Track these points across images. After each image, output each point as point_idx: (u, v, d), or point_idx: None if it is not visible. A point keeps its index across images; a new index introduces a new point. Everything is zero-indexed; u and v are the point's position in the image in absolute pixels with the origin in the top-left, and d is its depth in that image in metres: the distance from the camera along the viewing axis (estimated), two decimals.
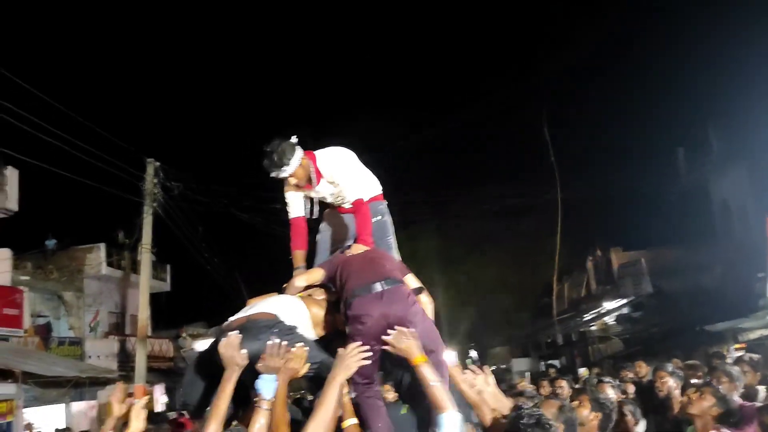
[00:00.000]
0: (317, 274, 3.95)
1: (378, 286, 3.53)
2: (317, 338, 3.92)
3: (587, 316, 22.62)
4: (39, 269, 18.91)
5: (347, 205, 4.38)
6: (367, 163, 4.56)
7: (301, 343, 3.48)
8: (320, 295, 3.99)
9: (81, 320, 19.80)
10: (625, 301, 19.95)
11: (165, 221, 16.40)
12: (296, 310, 3.78)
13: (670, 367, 6.51)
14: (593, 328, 22.89)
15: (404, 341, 3.21)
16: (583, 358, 21.54)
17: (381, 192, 4.58)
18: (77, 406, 17.22)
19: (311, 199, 4.51)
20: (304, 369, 3.44)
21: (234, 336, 3.33)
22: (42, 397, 15.54)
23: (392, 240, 4.53)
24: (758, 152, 16.61)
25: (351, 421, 3.09)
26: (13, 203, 17.20)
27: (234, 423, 3.33)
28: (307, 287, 3.98)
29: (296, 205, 4.47)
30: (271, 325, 3.54)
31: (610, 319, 21.57)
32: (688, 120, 21.11)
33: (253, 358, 3.40)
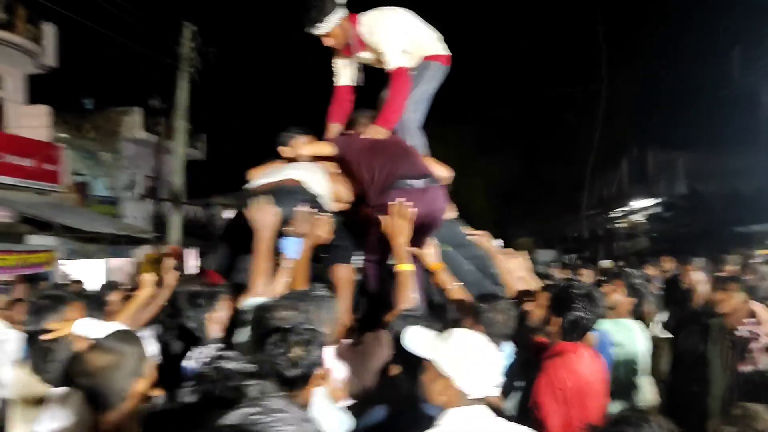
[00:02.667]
0: (326, 149, 3.86)
1: (421, 183, 3.48)
2: (333, 213, 3.95)
3: (616, 213, 22.54)
4: (77, 128, 19.14)
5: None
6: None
7: (328, 214, 3.52)
8: (336, 170, 3.93)
9: (117, 181, 20.28)
10: (657, 200, 19.72)
11: (200, 91, 16.34)
12: (318, 179, 3.77)
13: (696, 261, 6.51)
14: (621, 224, 22.85)
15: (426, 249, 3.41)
16: (607, 252, 21.65)
17: (440, 53, 4.20)
18: (114, 262, 18.04)
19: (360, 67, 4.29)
20: (328, 237, 3.51)
21: (264, 198, 3.36)
22: (80, 250, 16.26)
23: (421, 107, 4.27)
24: None
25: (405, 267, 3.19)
26: (50, 59, 17.11)
27: None
28: (316, 159, 3.91)
29: (341, 73, 4.29)
30: (298, 191, 3.57)
31: (639, 217, 21.46)
32: (747, 17, 19.66)
33: (279, 223, 3.47)
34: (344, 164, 3.83)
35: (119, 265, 18.29)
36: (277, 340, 2.03)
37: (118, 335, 2.00)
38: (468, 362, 1.98)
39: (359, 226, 3.78)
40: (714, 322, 4.46)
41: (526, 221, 30.30)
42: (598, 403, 2.78)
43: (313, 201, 3.61)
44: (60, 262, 15.51)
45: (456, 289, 3.37)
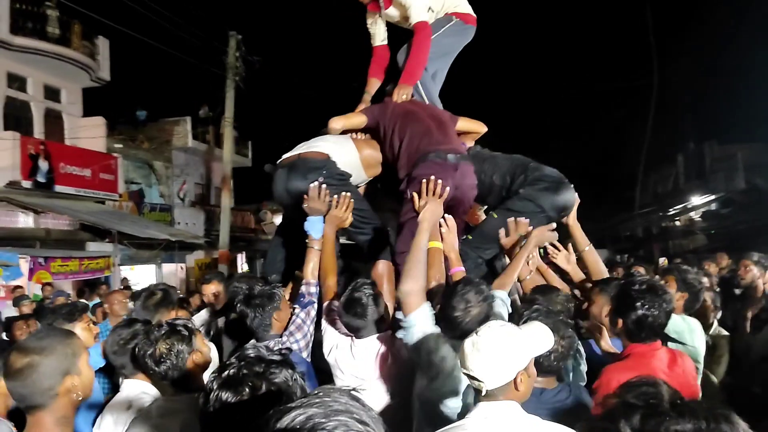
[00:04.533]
0: (358, 119, 3.85)
1: (452, 158, 3.44)
2: (370, 179, 3.93)
3: (672, 211, 21.83)
4: (131, 138, 19.77)
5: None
6: None
7: (348, 193, 3.48)
8: (370, 138, 3.94)
9: (170, 189, 20.83)
10: (714, 196, 19.02)
11: (247, 98, 16.61)
12: (347, 150, 3.75)
13: (755, 256, 6.20)
14: (677, 223, 22.12)
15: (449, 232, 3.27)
16: (663, 251, 21.00)
17: (465, 11, 4.24)
18: (167, 267, 18.54)
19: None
20: (349, 218, 3.48)
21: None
22: (136, 256, 16.78)
23: (442, 66, 4.28)
24: None
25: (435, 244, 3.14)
26: (105, 72, 17.74)
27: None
28: (348, 132, 3.91)
29: (376, 33, 4.40)
30: (321, 166, 3.56)
31: (696, 215, 20.74)
32: None
33: (300, 197, 3.47)
34: (377, 132, 3.83)
35: (172, 270, 18.81)
36: None
37: (41, 334, 1.94)
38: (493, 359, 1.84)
39: (391, 207, 3.75)
40: None
41: (578, 220, 29.69)
42: None
43: (336, 177, 3.59)
44: (119, 268, 16.09)
45: (459, 273, 3.19)
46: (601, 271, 3.69)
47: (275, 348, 1.67)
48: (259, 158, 25.36)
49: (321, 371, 2.94)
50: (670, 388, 1.30)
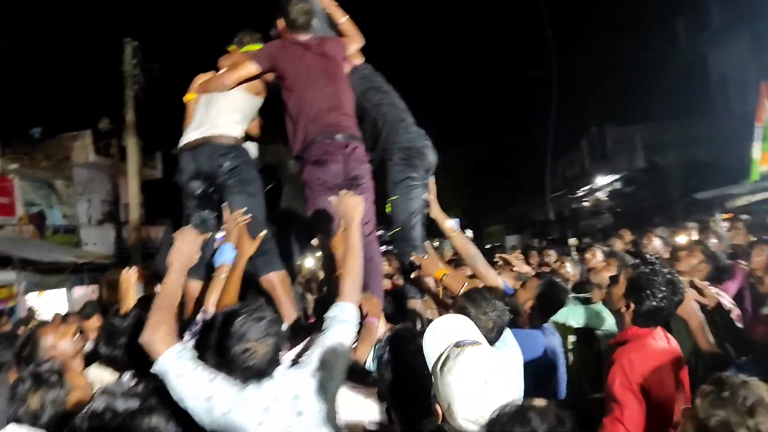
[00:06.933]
0: (249, 68, 3.65)
1: (341, 138, 3.39)
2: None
3: (579, 193, 22.76)
4: (27, 158, 18.64)
5: None
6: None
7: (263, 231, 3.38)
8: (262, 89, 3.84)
9: (74, 208, 19.78)
10: (617, 176, 19.95)
11: (151, 108, 15.99)
12: (236, 98, 3.69)
13: (657, 231, 6.53)
14: (585, 204, 23.08)
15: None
16: (574, 232, 21.86)
17: None
18: (79, 289, 17.60)
19: None
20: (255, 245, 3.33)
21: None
22: (43, 282, 15.82)
23: None
24: (760, 22, 15.92)
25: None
26: None
27: None
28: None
29: None
30: (228, 151, 3.53)
31: (602, 195, 21.71)
32: None
33: (207, 178, 3.46)
34: (274, 73, 3.68)
35: (83, 294, 17.86)
36: None
37: None
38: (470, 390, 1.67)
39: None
40: None
41: (495, 210, 30.51)
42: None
43: (246, 164, 3.56)
44: (24, 296, 15.11)
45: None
46: (471, 254, 3.63)
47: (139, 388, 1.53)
48: (169, 169, 24.49)
49: None
50: None
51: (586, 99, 23.27)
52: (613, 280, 3.05)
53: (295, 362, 2.37)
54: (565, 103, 20.16)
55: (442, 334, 1.93)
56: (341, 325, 2.35)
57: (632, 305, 2.62)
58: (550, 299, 3.38)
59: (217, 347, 2.20)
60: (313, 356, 2.24)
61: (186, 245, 2.59)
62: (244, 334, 2.10)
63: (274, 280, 3.48)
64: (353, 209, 2.75)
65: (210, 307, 3.02)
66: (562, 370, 3.28)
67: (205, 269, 3.55)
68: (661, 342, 2.62)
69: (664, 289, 2.55)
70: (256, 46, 3.84)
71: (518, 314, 3.24)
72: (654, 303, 2.56)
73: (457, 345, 1.79)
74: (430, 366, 1.85)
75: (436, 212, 3.77)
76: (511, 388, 1.72)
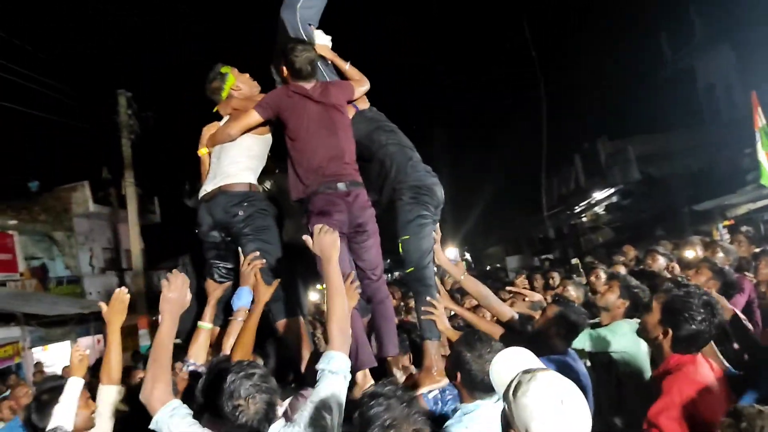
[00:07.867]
0: (251, 118, 3.71)
1: (343, 186, 3.44)
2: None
3: (577, 209, 22.81)
4: (26, 212, 18.69)
5: None
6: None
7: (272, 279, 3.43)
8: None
9: (76, 259, 19.78)
10: (613, 189, 20.04)
11: (147, 155, 16.15)
12: (248, 146, 3.77)
13: (661, 248, 6.55)
14: (584, 219, 23.14)
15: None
16: (575, 249, 21.89)
17: None
18: (85, 341, 17.49)
19: None
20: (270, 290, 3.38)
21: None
22: (48, 336, 15.75)
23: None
24: (742, 30, 16.21)
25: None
26: None
27: None
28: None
29: None
30: (243, 198, 3.62)
31: (599, 210, 21.78)
32: (671, 2, 20.46)
33: (224, 228, 3.52)
34: (276, 121, 3.74)
35: (89, 344, 17.75)
36: None
37: None
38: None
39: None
40: None
41: (493, 231, 30.53)
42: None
43: (261, 210, 3.64)
44: (30, 351, 15.02)
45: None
46: (483, 294, 3.76)
47: None
48: (167, 213, 24.57)
49: None
50: None
51: (576, 115, 23.54)
52: (646, 308, 2.92)
53: (288, 419, 2.40)
54: (556, 120, 20.42)
55: (508, 363, 2.02)
56: (331, 378, 2.32)
57: (670, 331, 2.51)
58: (571, 324, 3.40)
59: (209, 405, 2.25)
60: (305, 412, 2.25)
61: (174, 292, 2.56)
62: (234, 391, 2.13)
63: (288, 325, 3.54)
64: (329, 247, 2.68)
65: (192, 358, 3.16)
66: (590, 395, 3.28)
67: (224, 314, 3.63)
68: (705, 368, 2.49)
69: (702, 311, 2.46)
70: (232, 80, 3.93)
71: (544, 342, 3.25)
72: (693, 327, 2.45)
73: (526, 372, 1.83)
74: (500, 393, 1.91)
75: (443, 260, 3.85)
76: (584, 409, 1.76)
